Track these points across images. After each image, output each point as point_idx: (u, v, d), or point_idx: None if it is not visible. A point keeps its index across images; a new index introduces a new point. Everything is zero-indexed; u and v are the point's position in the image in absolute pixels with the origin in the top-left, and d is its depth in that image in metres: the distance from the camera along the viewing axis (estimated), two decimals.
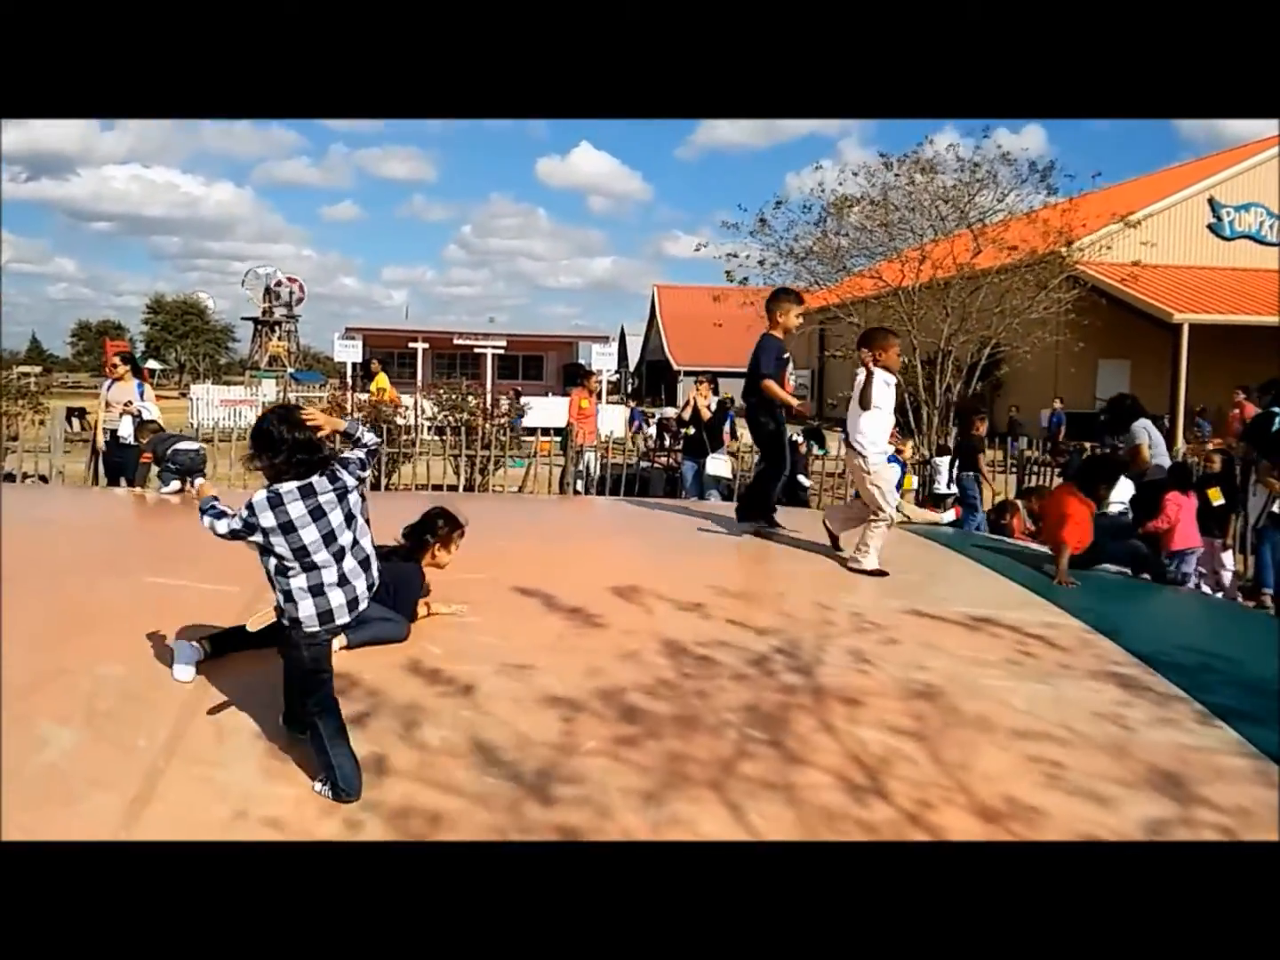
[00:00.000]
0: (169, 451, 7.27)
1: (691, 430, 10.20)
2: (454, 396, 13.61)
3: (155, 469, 7.68)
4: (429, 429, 13.71)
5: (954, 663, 4.02)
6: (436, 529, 4.19)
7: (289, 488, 2.91)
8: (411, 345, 25.75)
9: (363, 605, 3.04)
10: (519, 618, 4.30)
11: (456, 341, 26.49)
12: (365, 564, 3.05)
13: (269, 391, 29.08)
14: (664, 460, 12.91)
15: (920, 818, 2.89)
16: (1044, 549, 6.01)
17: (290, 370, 37.18)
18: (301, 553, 2.90)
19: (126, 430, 8.53)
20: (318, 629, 2.93)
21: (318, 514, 2.92)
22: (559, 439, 12.69)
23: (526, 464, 12.14)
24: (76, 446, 12.44)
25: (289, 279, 47.80)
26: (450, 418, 13.11)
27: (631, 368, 56.28)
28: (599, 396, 12.31)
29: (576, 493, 11.16)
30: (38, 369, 46.45)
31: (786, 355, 6.07)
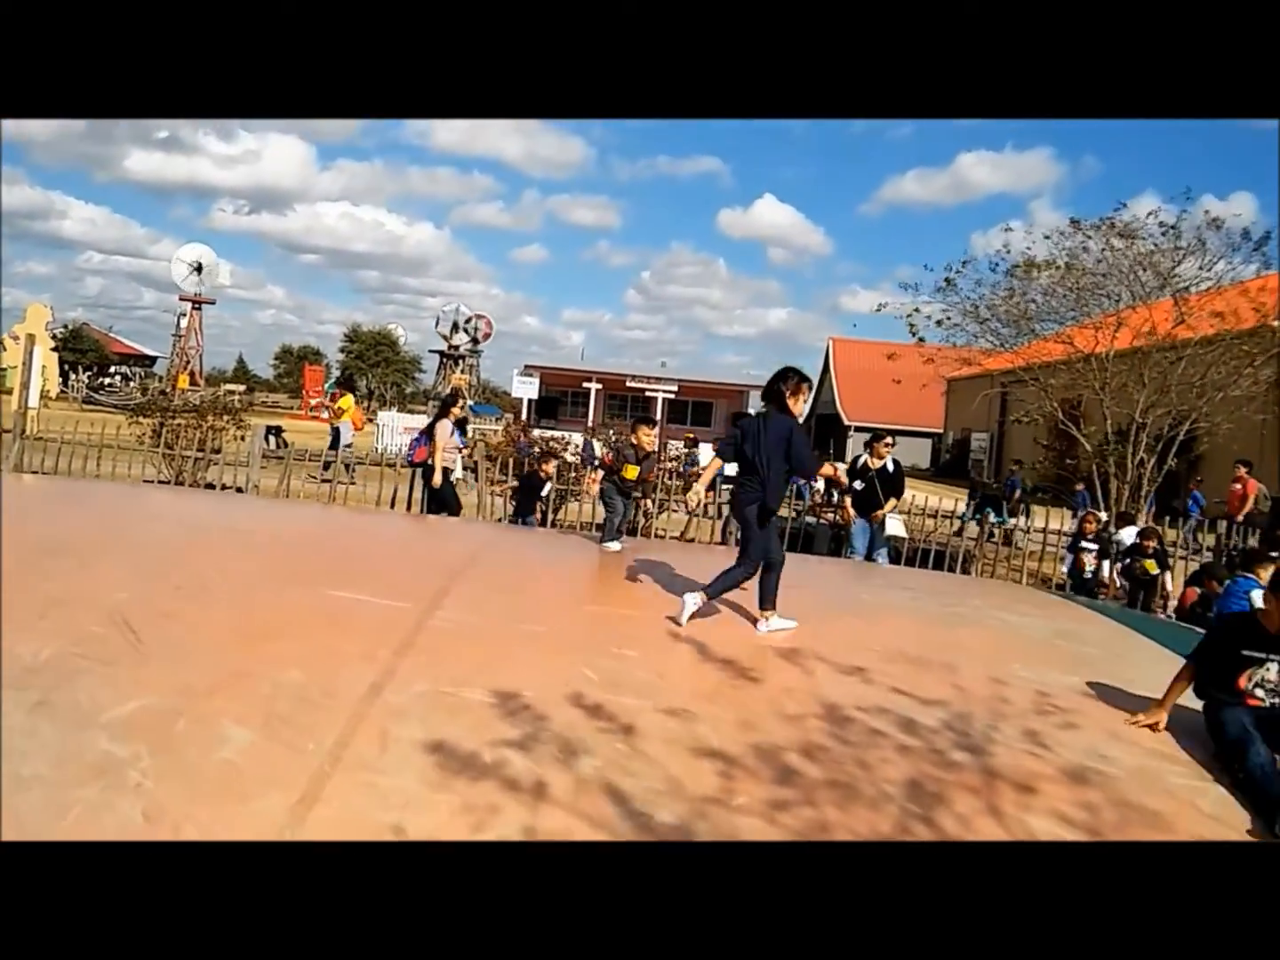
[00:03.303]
0: None
1: (860, 485, 9.86)
2: (619, 438, 13.82)
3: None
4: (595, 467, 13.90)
5: (1138, 754, 3.73)
6: None
7: None
8: (586, 385, 26.40)
9: None
10: (676, 659, 4.27)
11: (629, 384, 26.94)
12: None
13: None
14: (831, 516, 12.63)
15: None
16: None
17: (470, 403, 38.63)
18: None
19: (459, 470, 9.05)
20: None
21: None
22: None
23: None
24: (271, 463, 13.09)
25: (479, 316, 49.84)
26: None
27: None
28: None
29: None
30: (241, 387, 50.11)
31: None
